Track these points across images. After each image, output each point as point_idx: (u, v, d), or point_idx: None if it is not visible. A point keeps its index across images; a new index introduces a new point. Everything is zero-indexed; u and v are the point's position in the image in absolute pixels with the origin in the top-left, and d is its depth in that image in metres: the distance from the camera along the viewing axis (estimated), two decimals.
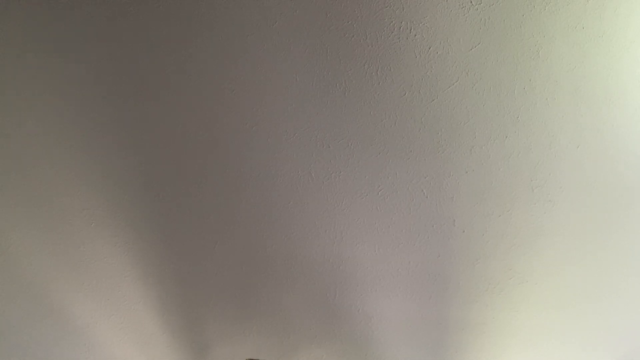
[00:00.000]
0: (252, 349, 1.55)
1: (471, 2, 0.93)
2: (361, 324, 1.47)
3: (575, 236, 1.29)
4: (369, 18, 0.95)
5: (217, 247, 1.28)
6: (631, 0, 0.92)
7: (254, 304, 1.42)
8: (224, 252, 1.29)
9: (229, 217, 1.23)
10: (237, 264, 1.33)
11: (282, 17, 0.94)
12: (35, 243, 1.23)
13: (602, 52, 0.99)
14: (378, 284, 1.37)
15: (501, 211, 1.23)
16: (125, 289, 1.34)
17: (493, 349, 1.55)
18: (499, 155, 1.14)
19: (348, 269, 1.34)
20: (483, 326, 1.48)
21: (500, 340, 1.52)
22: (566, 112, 1.08)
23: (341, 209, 1.22)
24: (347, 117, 1.08)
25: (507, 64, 1.01)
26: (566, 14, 0.94)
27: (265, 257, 1.32)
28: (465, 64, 1.01)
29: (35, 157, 1.10)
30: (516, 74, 1.02)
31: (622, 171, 1.18)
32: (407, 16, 0.94)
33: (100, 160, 1.12)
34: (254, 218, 1.23)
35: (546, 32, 0.97)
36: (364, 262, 1.33)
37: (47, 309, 1.35)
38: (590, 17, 0.94)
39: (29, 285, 1.30)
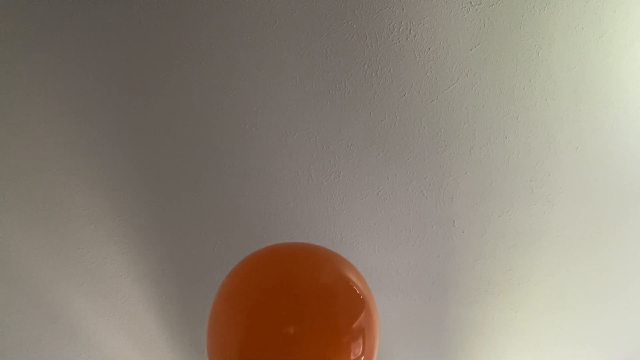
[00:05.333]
0: None
1: (471, 2, 0.93)
2: None
3: (575, 237, 1.29)
4: (369, 18, 0.95)
5: (217, 247, 1.28)
6: (630, 1, 0.92)
7: None
8: (224, 252, 1.29)
9: (229, 218, 1.23)
10: (238, 264, 1.33)
11: (282, 17, 0.94)
12: (34, 244, 1.23)
13: (602, 52, 0.99)
14: (377, 284, 1.37)
15: (501, 211, 1.23)
16: (125, 289, 1.34)
17: (493, 349, 1.55)
18: (498, 156, 1.14)
19: None
20: (483, 326, 1.48)
21: (500, 340, 1.52)
22: (566, 113, 1.08)
23: (341, 210, 1.22)
24: (347, 118, 1.08)
25: (507, 64, 1.01)
26: (565, 15, 0.94)
27: None
28: (465, 65, 1.01)
29: (34, 158, 1.10)
30: (516, 74, 1.02)
31: (622, 172, 1.18)
32: (407, 17, 0.95)
33: (100, 161, 1.12)
34: (253, 218, 1.23)
35: (546, 33, 0.97)
36: (364, 262, 1.33)
37: (46, 309, 1.35)
38: (589, 18, 0.95)
39: (28, 285, 1.30)
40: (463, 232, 1.27)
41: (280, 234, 1.26)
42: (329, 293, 0.72)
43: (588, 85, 1.04)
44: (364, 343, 0.71)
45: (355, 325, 0.70)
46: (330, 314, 0.69)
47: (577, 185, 1.19)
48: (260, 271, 0.77)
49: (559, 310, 1.45)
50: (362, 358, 0.70)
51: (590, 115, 1.08)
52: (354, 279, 0.76)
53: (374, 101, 1.05)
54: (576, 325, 1.49)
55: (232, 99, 1.05)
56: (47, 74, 1.00)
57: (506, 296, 1.40)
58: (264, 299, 0.71)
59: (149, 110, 1.06)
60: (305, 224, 1.25)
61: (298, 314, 0.68)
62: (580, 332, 1.52)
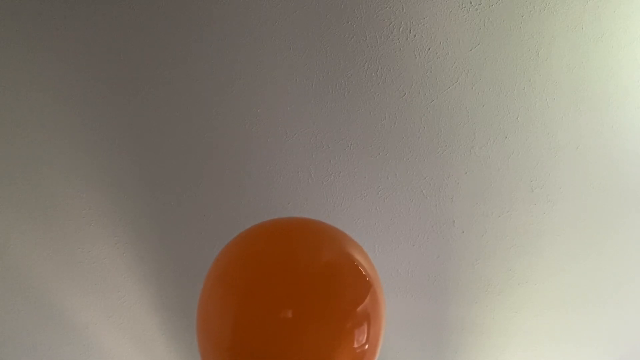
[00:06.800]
0: None
1: (471, 2, 0.93)
2: None
3: (575, 237, 1.29)
4: (369, 18, 0.95)
5: (217, 247, 1.28)
6: (630, 1, 0.92)
7: None
8: None
9: (229, 218, 1.23)
10: None
11: (282, 17, 0.94)
12: (34, 244, 1.23)
13: (602, 52, 0.99)
14: None
15: (501, 211, 1.23)
16: (125, 289, 1.34)
17: (492, 349, 1.55)
18: (498, 156, 1.14)
19: None
20: (482, 327, 1.48)
21: (499, 340, 1.52)
22: (566, 113, 1.08)
23: (341, 210, 1.22)
24: (347, 118, 1.08)
25: (506, 64, 1.01)
26: (566, 15, 0.94)
27: None
28: (465, 65, 1.01)
29: (34, 157, 1.10)
30: (516, 74, 1.02)
31: (622, 172, 1.18)
32: (407, 16, 0.95)
33: (100, 161, 1.12)
34: (253, 218, 1.23)
35: (546, 33, 0.97)
36: None
37: (46, 309, 1.35)
38: (589, 18, 0.95)
39: (28, 285, 1.30)
40: (463, 232, 1.27)
41: None
42: (331, 273, 0.64)
43: (588, 85, 1.04)
44: (368, 330, 0.63)
45: (360, 309, 0.63)
46: (333, 295, 0.62)
47: (577, 185, 1.19)
48: (256, 247, 0.69)
49: (558, 310, 1.45)
50: (366, 347, 0.63)
51: (590, 115, 1.08)
52: (359, 258, 0.68)
53: (374, 101, 1.05)
54: (576, 324, 1.49)
55: (232, 99, 1.05)
56: (47, 74, 1.00)
57: (506, 296, 1.40)
58: (259, 278, 0.63)
59: (149, 110, 1.06)
60: None
61: (296, 296, 0.61)
62: (580, 332, 1.52)
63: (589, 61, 1.00)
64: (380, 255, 1.31)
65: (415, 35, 0.97)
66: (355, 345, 0.62)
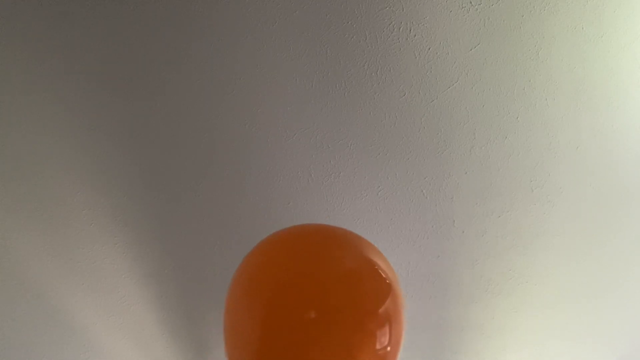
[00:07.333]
0: None
1: (471, 2, 0.93)
2: None
3: (575, 237, 1.29)
4: (369, 18, 0.95)
5: (217, 247, 1.28)
6: (630, 2, 0.92)
7: None
8: (223, 252, 1.29)
9: (229, 217, 1.23)
10: (237, 264, 1.33)
11: (282, 17, 0.94)
12: (34, 243, 1.23)
13: (602, 53, 0.99)
14: None
15: (501, 211, 1.23)
16: (125, 289, 1.34)
17: (492, 349, 1.55)
18: (498, 156, 1.14)
19: None
20: (482, 326, 1.48)
21: (499, 340, 1.52)
22: (566, 113, 1.08)
23: (340, 209, 1.22)
24: (347, 118, 1.08)
25: (507, 64, 1.01)
26: (566, 15, 0.95)
27: None
28: (465, 64, 1.01)
29: (34, 157, 1.10)
30: (516, 74, 1.02)
31: (621, 172, 1.18)
32: (407, 16, 0.95)
33: (100, 161, 1.12)
34: (253, 218, 1.23)
35: (546, 33, 0.97)
36: None
37: (46, 309, 1.35)
38: (589, 18, 0.95)
39: (27, 285, 1.30)
40: (463, 232, 1.27)
41: None
42: (353, 276, 0.68)
43: (588, 85, 1.04)
44: (390, 331, 0.66)
45: (381, 310, 0.66)
46: (355, 297, 0.65)
47: (577, 185, 1.19)
48: (280, 253, 0.73)
49: (558, 310, 1.45)
50: (389, 349, 0.65)
51: (590, 116, 1.08)
52: (379, 262, 0.72)
53: (374, 101, 1.05)
54: (576, 324, 1.49)
55: (232, 99, 1.05)
56: (47, 74, 1.00)
57: (506, 296, 1.40)
58: (284, 284, 0.66)
59: (149, 110, 1.06)
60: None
61: (321, 298, 0.64)
62: (580, 331, 1.52)
63: (589, 61, 1.00)
64: None
65: (415, 35, 0.97)
66: (378, 347, 0.64)
